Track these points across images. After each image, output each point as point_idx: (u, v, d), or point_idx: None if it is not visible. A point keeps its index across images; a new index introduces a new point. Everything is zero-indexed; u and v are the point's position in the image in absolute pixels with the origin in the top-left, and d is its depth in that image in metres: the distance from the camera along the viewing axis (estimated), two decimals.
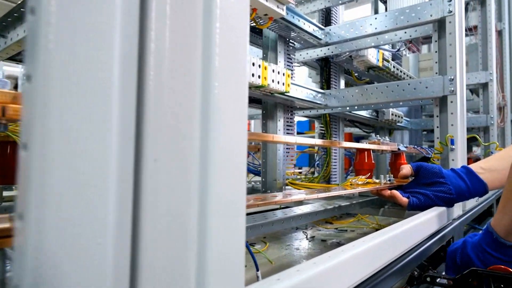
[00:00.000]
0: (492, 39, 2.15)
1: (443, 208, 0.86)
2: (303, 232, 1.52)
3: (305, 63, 1.60)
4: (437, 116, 1.09)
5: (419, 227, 0.73)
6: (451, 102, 1.04)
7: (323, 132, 1.56)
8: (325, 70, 1.55)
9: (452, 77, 1.03)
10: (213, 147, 0.26)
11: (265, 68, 0.92)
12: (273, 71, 0.95)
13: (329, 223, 1.74)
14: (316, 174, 1.82)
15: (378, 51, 1.53)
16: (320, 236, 1.47)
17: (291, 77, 1.26)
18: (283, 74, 0.99)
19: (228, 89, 0.27)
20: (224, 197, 0.27)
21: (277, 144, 1.21)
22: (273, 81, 0.95)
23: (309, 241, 1.38)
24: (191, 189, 0.25)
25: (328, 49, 1.43)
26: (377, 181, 0.94)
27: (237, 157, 0.28)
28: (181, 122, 0.25)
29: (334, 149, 1.55)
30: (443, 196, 0.86)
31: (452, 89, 1.03)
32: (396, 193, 0.89)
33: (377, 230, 1.54)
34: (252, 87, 0.93)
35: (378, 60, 1.54)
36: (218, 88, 0.26)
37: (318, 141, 0.87)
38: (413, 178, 0.95)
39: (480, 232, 0.74)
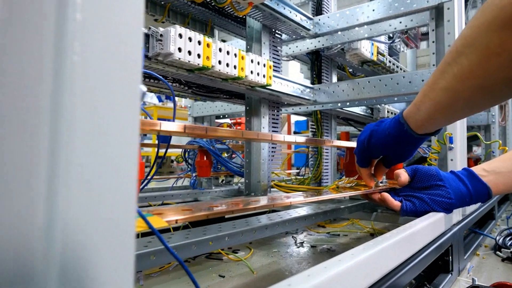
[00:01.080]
0: None
1: (440, 214, 0.76)
2: (292, 236, 1.42)
3: (294, 57, 1.51)
4: None
5: (414, 236, 0.63)
6: None
7: (313, 130, 1.47)
8: (316, 64, 1.46)
9: None
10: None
11: (243, 57, 0.82)
12: (252, 61, 0.85)
13: (321, 226, 1.65)
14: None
15: (372, 44, 1.44)
16: (311, 241, 1.37)
17: (278, 71, 1.16)
18: (264, 65, 0.89)
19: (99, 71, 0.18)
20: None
21: (260, 142, 1.12)
22: (251, 72, 0.85)
23: (298, 247, 1.29)
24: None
25: (319, 41, 1.34)
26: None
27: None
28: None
29: (326, 149, 1.45)
30: (440, 201, 0.77)
31: None
32: (387, 196, 0.79)
33: (371, 235, 1.45)
34: (228, 78, 0.83)
35: (372, 54, 1.44)
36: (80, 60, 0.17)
37: (300, 139, 0.77)
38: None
39: (388, 119, 0.77)
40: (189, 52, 0.70)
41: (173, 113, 0.67)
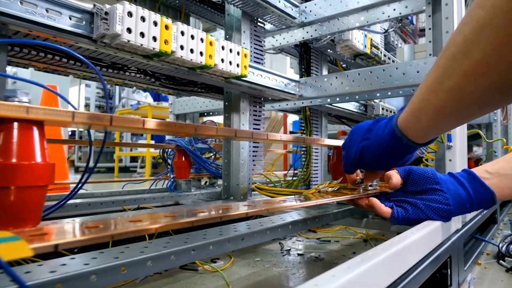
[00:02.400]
0: None
1: (437, 223, 0.66)
2: (279, 243, 1.32)
3: (282, 50, 1.40)
4: None
5: (407, 251, 0.53)
6: None
7: (302, 128, 1.36)
8: (305, 57, 1.36)
9: None
10: None
11: (211, 43, 0.72)
12: (223, 48, 0.75)
13: (312, 231, 1.54)
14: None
15: (366, 36, 1.34)
16: (298, 248, 1.27)
17: (261, 63, 1.06)
18: (238, 53, 0.79)
19: None
20: None
21: (239, 141, 1.02)
22: (222, 60, 0.75)
23: (284, 255, 1.18)
24: None
25: (307, 32, 1.24)
26: (352, 186, 0.74)
27: None
28: None
29: (316, 148, 1.35)
30: (437, 207, 0.67)
31: None
32: (375, 202, 0.69)
33: (365, 241, 1.35)
34: (194, 67, 0.73)
35: (365, 46, 1.34)
36: None
37: (285, 137, 0.67)
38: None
39: (378, 128, 0.66)
40: (142, 34, 0.59)
41: (108, 106, 0.57)
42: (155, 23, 0.61)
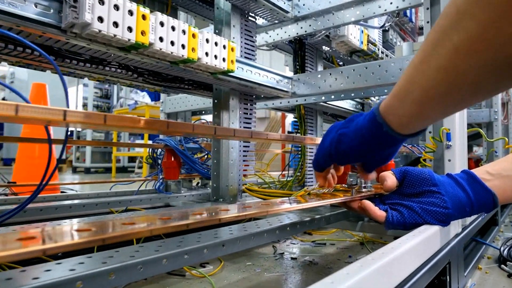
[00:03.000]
0: None
1: (434, 228, 0.61)
2: (273, 246, 1.28)
3: (275, 46, 1.36)
4: None
5: (401, 260, 0.49)
6: None
7: (296, 126, 1.32)
8: (299, 54, 1.31)
9: None
10: None
11: (194, 35, 0.67)
12: (207, 41, 0.71)
13: (307, 233, 1.50)
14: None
15: (362, 32, 1.29)
16: (292, 251, 1.23)
17: (252, 58, 1.01)
18: (225, 47, 0.75)
19: None
20: None
21: (229, 141, 0.97)
22: (207, 54, 0.71)
23: (277, 259, 1.14)
24: None
25: (301, 27, 1.19)
26: (346, 188, 0.69)
27: None
28: None
29: (311, 148, 1.30)
30: (434, 211, 0.62)
31: None
32: (368, 204, 0.64)
33: (361, 243, 1.30)
34: (177, 61, 0.68)
35: (362, 43, 1.29)
36: None
37: (273, 135, 0.62)
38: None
39: (359, 117, 0.59)
40: (115, 24, 0.55)
41: (67, 101, 0.52)
42: (131, 12, 0.57)
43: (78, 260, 0.42)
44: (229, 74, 0.81)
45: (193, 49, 0.67)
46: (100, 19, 0.53)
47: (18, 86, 6.33)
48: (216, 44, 0.72)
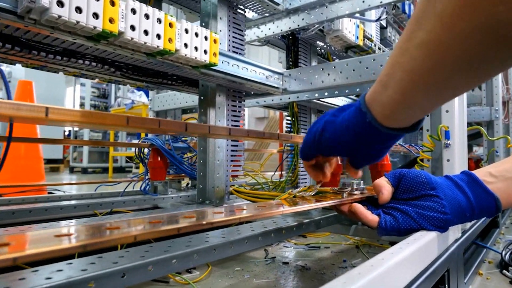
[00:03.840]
0: None
1: (432, 234, 0.56)
2: (265, 249, 1.22)
3: (268, 41, 1.30)
4: None
5: (395, 271, 0.43)
6: None
7: (289, 125, 1.26)
8: (293, 50, 1.26)
9: None
10: None
11: (171, 25, 0.62)
12: (186, 31, 0.65)
13: (301, 236, 1.45)
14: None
15: (358, 27, 1.24)
16: (284, 255, 1.17)
17: (241, 53, 0.96)
18: (206, 38, 0.69)
19: None
20: None
21: (215, 139, 0.92)
22: (186, 46, 0.65)
23: (268, 263, 1.08)
24: None
25: (293, 21, 1.14)
26: (337, 189, 0.64)
27: None
28: None
29: None
30: (431, 216, 0.57)
31: None
32: (359, 208, 0.59)
33: (357, 247, 1.25)
34: (153, 53, 0.63)
35: (357, 38, 1.24)
36: None
37: (252, 132, 0.57)
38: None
39: (352, 106, 0.53)
40: (79, 10, 0.49)
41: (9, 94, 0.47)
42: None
43: (57, 267, 0.39)
44: (213, 68, 0.76)
45: (170, 40, 0.62)
46: (60, 4, 0.47)
47: (15, 86, 6.26)
48: (196, 35, 0.67)
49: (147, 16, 0.58)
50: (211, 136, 0.72)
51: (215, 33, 0.70)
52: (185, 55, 0.65)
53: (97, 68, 0.74)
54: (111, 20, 0.53)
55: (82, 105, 7.32)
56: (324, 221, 0.74)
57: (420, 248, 0.51)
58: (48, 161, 6.65)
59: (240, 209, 0.44)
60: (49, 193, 1.65)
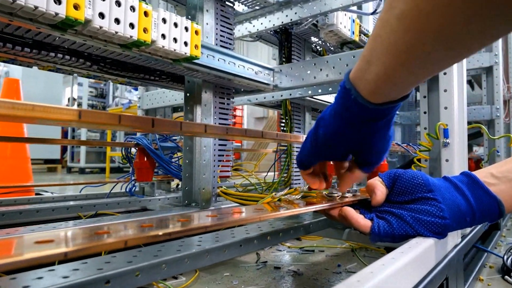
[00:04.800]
0: None
1: (429, 241, 0.51)
2: (257, 253, 1.17)
3: (260, 37, 1.26)
4: (424, 97, 0.74)
5: (389, 281, 0.39)
6: (445, 74, 0.69)
7: (283, 124, 1.22)
8: (286, 45, 1.21)
9: None
10: None
11: (146, 13, 0.57)
12: (164, 21, 0.61)
13: (296, 238, 1.40)
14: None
15: (353, 21, 1.19)
16: (277, 259, 1.13)
17: (229, 48, 0.91)
18: (187, 29, 0.65)
19: None
20: None
21: (201, 138, 0.87)
22: (164, 37, 0.60)
23: (259, 268, 1.04)
24: None
25: (286, 15, 1.09)
26: (326, 193, 0.59)
27: None
28: None
29: (297, 147, 1.20)
30: (428, 221, 0.52)
31: None
32: (350, 212, 0.54)
33: (352, 250, 1.20)
34: (127, 44, 0.58)
35: (353, 33, 1.19)
36: None
37: (232, 130, 0.52)
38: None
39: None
40: None
41: None
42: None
43: (37, 274, 0.36)
44: (196, 62, 0.71)
45: (145, 30, 0.57)
46: None
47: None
48: (175, 25, 0.62)
49: (118, 3, 0.53)
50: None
51: (197, 23, 0.66)
52: (163, 46, 0.60)
53: (71, 62, 0.69)
54: (76, 6, 0.48)
55: (79, 104, 7.28)
56: (314, 226, 0.69)
57: (415, 258, 0.46)
58: (46, 161, 6.61)
59: (214, 215, 0.39)
60: (36, 194, 1.60)
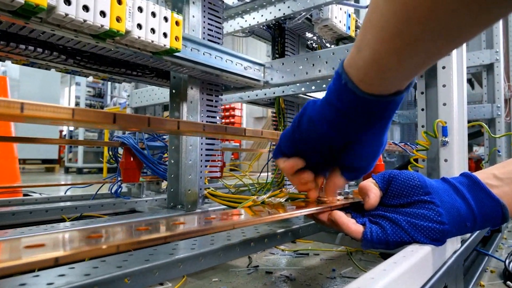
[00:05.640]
0: None
1: (426, 249, 0.47)
2: (249, 256, 1.13)
3: (252, 32, 1.21)
4: (422, 93, 0.70)
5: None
6: (443, 68, 0.65)
7: (275, 122, 1.17)
8: (279, 41, 1.17)
9: None
10: None
11: (120, 1, 0.53)
12: (140, 10, 0.56)
13: (291, 241, 1.36)
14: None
15: (349, 16, 1.15)
16: (269, 263, 1.08)
17: (217, 42, 0.87)
18: (166, 19, 0.60)
19: None
20: None
21: (187, 137, 0.83)
22: (140, 27, 0.56)
23: (249, 273, 0.99)
24: None
25: (279, 9, 1.04)
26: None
27: None
28: None
29: None
30: (425, 227, 0.48)
31: None
32: (340, 216, 0.49)
33: (348, 254, 1.16)
34: (99, 34, 0.54)
35: (349, 28, 1.15)
36: None
37: (206, 127, 0.48)
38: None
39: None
40: None
41: None
42: None
43: (19, 281, 0.35)
44: (179, 56, 0.67)
45: (118, 19, 0.52)
46: None
47: (10, 85, 6.19)
48: (153, 14, 0.57)
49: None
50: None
51: (177, 14, 0.61)
52: (139, 37, 0.55)
53: (45, 55, 0.65)
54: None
55: (77, 104, 7.24)
56: (304, 230, 0.65)
57: (410, 268, 0.42)
58: (43, 161, 6.57)
59: (182, 222, 0.35)
60: (25, 195, 1.56)
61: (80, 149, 6.10)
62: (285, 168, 0.50)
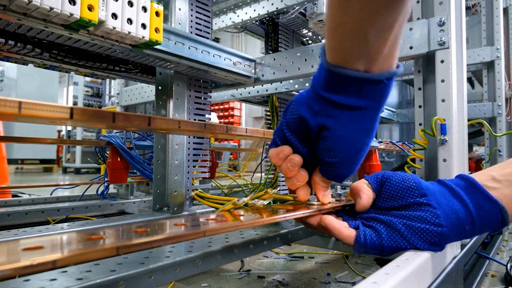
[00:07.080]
0: (499, 12, 1.73)
1: (424, 255, 0.43)
2: (241, 260, 1.09)
3: (245, 28, 1.17)
4: (420, 89, 0.66)
5: None
6: (442, 62, 0.61)
7: (268, 120, 1.13)
8: (272, 37, 1.13)
9: (443, 20, 0.60)
10: None
11: None
12: None
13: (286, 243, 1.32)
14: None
15: None
16: (261, 267, 1.04)
17: (206, 36, 0.83)
18: (145, 10, 0.56)
19: None
20: None
21: (173, 136, 0.79)
22: (115, 17, 0.52)
23: (241, 277, 0.95)
24: None
25: (272, 4, 1.01)
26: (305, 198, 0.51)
27: None
28: None
29: None
30: (422, 229, 0.44)
31: (443, 39, 0.60)
32: (331, 221, 0.46)
33: (346, 257, 1.12)
34: (70, 24, 0.50)
35: None
36: None
37: (185, 125, 0.44)
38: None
39: None
40: None
41: None
42: None
43: (11, 285, 0.34)
44: (162, 49, 0.63)
45: (90, 8, 0.48)
46: None
47: (8, 85, 6.17)
48: (130, 4, 0.53)
49: None
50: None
51: (158, 4, 0.57)
52: (114, 28, 0.52)
53: (18, 48, 0.61)
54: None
55: (75, 104, 7.20)
56: (294, 234, 0.61)
57: (406, 278, 0.38)
58: (41, 162, 6.53)
59: (143, 230, 0.31)
60: (13, 196, 1.52)
61: (78, 149, 6.07)
62: (273, 155, 0.47)
